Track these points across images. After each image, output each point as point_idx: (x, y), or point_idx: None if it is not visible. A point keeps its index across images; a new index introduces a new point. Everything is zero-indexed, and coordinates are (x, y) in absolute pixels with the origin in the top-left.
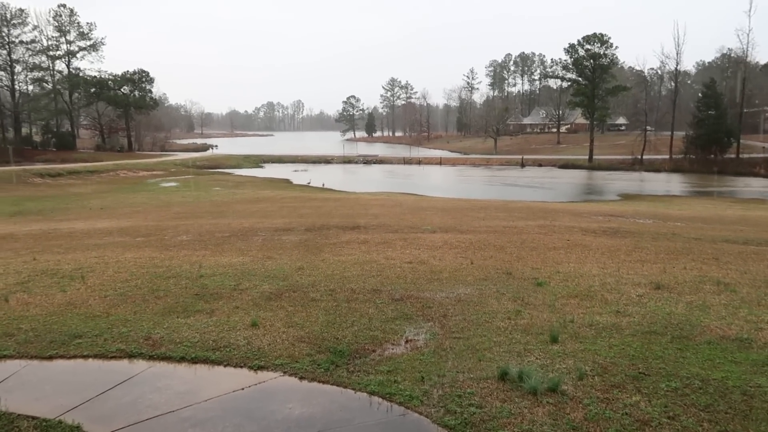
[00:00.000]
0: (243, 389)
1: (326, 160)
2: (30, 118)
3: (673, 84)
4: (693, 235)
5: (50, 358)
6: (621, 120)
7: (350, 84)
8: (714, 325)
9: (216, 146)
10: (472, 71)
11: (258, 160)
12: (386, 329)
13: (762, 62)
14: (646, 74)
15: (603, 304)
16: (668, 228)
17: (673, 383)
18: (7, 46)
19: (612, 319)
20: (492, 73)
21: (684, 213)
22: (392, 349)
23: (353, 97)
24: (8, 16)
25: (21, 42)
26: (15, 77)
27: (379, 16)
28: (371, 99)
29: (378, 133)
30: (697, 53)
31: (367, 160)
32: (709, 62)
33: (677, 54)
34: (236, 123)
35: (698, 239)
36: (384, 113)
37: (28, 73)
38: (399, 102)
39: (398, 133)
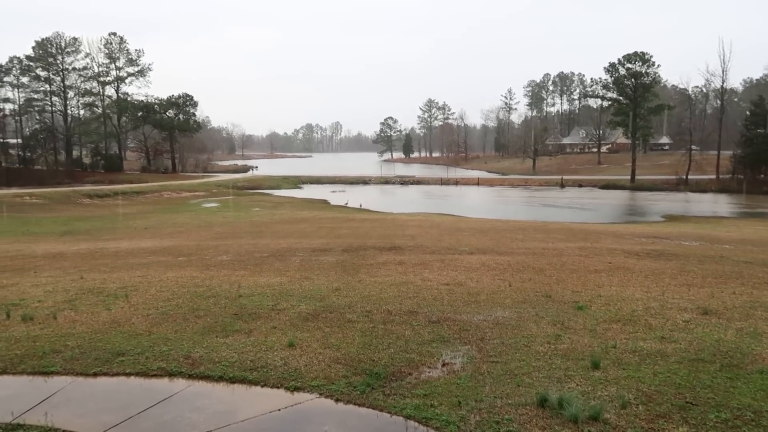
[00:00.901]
0: (279, 410)
1: (364, 181)
2: (80, 141)
3: (718, 102)
4: (743, 258)
5: (94, 375)
6: (664, 139)
7: (388, 105)
8: (766, 353)
9: (256, 167)
10: (509, 91)
11: (297, 181)
12: (423, 352)
13: None
14: (690, 92)
15: (647, 329)
16: (716, 251)
17: (723, 414)
18: (61, 73)
19: (657, 345)
20: (530, 93)
21: (732, 235)
22: (429, 372)
23: (391, 118)
24: (63, 44)
25: (74, 69)
26: (68, 102)
27: (417, 37)
28: (409, 120)
29: (415, 154)
30: (744, 70)
31: (404, 181)
32: (756, 79)
33: (723, 71)
34: (276, 144)
35: (748, 262)
36: (421, 134)
37: (80, 98)
38: (436, 123)
39: (435, 154)
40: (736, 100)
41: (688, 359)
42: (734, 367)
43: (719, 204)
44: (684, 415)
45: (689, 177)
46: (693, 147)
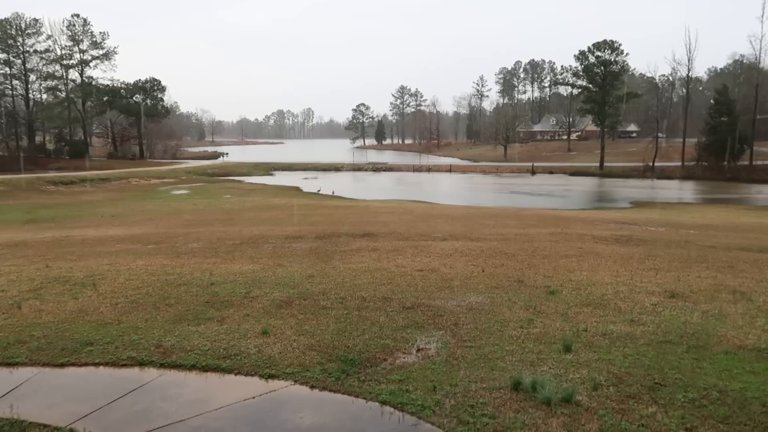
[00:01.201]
0: (254, 398)
1: (336, 168)
2: (43, 126)
3: (684, 90)
4: (707, 243)
5: (62, 365)
6: (632, 127)
7: (360, 92)
8: (731, 335)
9: (227, 154)
10: (481, 78)
11: (268, 168)
12: (397, 338)
13: None
14: (657, 81)
15: (616, 312)
16: (681, 236)
17: (690, 394)
18: (21, 56)
19: (626, 328)
20: (502, 81)
21: (697, 221)
22: (403, 357)
23: (363, 104)
24: (23, 25)
25: (35, 51)
26: (29, 86)
27: (388, 24)
28: (381, 107)
29: (388, 141)
30: (709, 59)
31: (377, 168)
32: (721, 68)
33: (689, 60)
34: (247, 131)
35: (712, 247)
36: (394, 121)
37: (42, 82)
38: (409, 110)
39: (408, 141)
40: (701, 88)
41: (656, 341)
42: (700, 348)
43: (684, 190)
44: (653, 395)
45: (656, 164)
46: (660, 134)
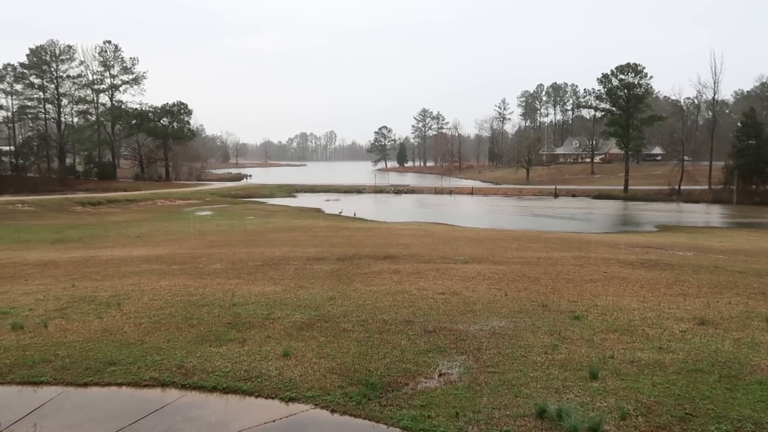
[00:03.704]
0: (274, 421)
1: (358, 190)
2: (74, 148)
3: (710, 113)
4: (737, 268)
5: (85, 385)
6: (657, 150)
7: (382, 115)
8: (765, 364)
9: (250, 176)
10: (503, 101)
11: (291, 190)
12: (419, 362)
13: None
14: (682, 104)
15: (644, 339)
16: (710, 261)
17: (724, 426)
18: (55, 81)
19: (654, 355)
20: (524, 104)
21: (726, 245)
22: (425, 382)
23: (385, 127)
24: (57, 52)
25: (68, 76)
26: (61, 109)
27: (410, 48)
28: (403, 129)
29: (409, 163)
30: (736, 82)
31: (399, 190)
32: (747, 91)
33: (714, 83)
34: (270, 153)
35: (743, 272)
36: (415, 143)
37: (74, 106)
38: (430, 132)
39: (429, 163)
40: (727, 111)
41: (687, 370)
42: (733, 378)
43: (712, 214)
44: (684, 426)
45: (682, 187)
46: (685, 158)
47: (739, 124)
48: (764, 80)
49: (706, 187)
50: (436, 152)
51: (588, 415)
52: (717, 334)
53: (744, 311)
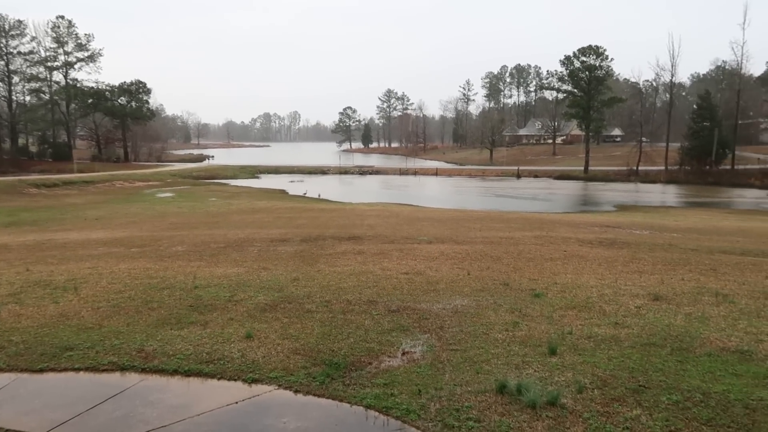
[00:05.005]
0: (237, 403)
1: (322, 171)
2: (26, 128)
3: (668, 96)
4: (690, 246)
5: (41, 371)
6: (616, 131)
7: (348, 96)
8: (714, 337)
9: (212, 157)
10: (468, 82)
11: (254, 171)
12: (382, 341)
13: (756, 74)
14: (641, 86)
15: (601, 315)
16: (665, 239)
17: (674, 396)
18: (4, 57)
19: (611, 330)
20: (488, 85)
21: (680, 224)
22: (389, 361)
23: (350, 108)
24: (6, 27)
25: (19, 53)
26: (12, 88)
27: (377, 28)
28: (368, 110)
29: (374, 144)
30: (692, 66)
31: (363, 171)
32: (703, 74)
33: (672, 66)
34: (233, 134)
35: (695, 250)
36: (380, 124)
37: (26, 84)
38: (395, 113)
39: (395, 144)
40: (684, 94)
41: (641, 344)
42: (684, 351)
43: (668, 194)
44: (637, 398)
45: (640, 168)
46: (643, 139)
47: (694, 106)
48: (719, 64)
49: (663, 167)
50: (401, 133)
51: (546, 389)
52: (670, 309)
53: (695, 287)
